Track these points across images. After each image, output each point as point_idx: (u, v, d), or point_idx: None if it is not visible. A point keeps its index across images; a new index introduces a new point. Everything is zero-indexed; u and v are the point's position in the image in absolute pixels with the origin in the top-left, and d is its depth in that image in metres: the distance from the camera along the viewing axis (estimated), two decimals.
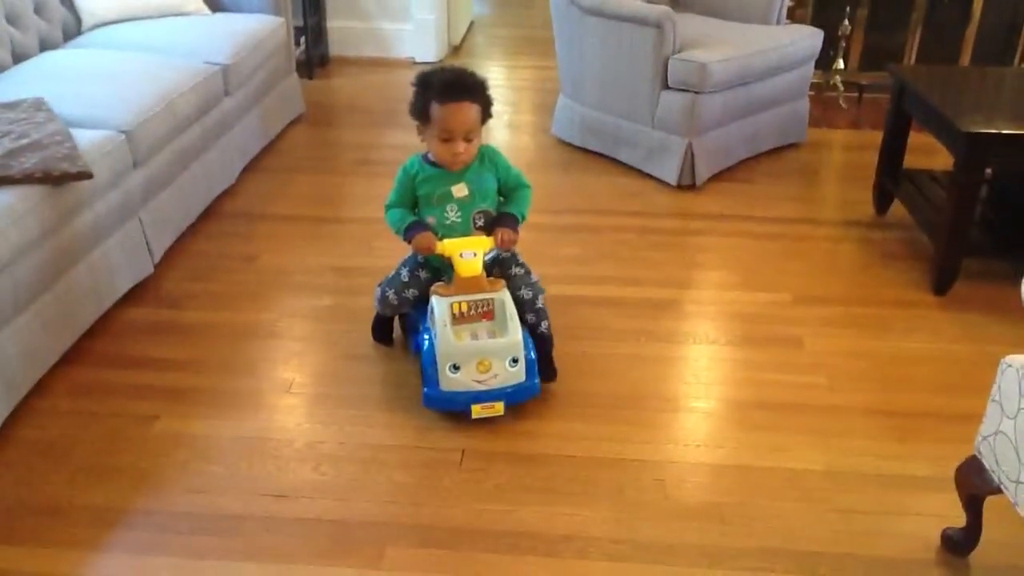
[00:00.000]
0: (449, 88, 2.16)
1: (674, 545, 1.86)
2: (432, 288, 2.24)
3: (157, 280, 2.80)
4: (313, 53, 4.93)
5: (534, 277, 2.33)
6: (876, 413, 2.27)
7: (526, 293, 2.29)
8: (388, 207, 2.31)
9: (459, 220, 2.26)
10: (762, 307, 2.74)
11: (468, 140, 2.18)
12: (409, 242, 2.25)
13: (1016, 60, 4.69)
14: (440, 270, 2.30)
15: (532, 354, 2.21)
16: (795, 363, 2.47)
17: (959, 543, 1.83)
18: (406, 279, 2.34)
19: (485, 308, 2.21)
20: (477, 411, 2.16)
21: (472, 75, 2.23)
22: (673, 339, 2.60)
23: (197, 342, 2.53)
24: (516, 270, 2.33)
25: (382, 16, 5.22)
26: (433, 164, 2.26)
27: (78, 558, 1.82)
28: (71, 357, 2.39)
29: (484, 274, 2.21)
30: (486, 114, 2.23)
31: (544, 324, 2.32)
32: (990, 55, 4.67)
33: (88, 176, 2.35)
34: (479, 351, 2.14)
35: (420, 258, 2.32)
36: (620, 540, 1.87)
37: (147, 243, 2.75)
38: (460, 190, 2.25)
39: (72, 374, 2.36)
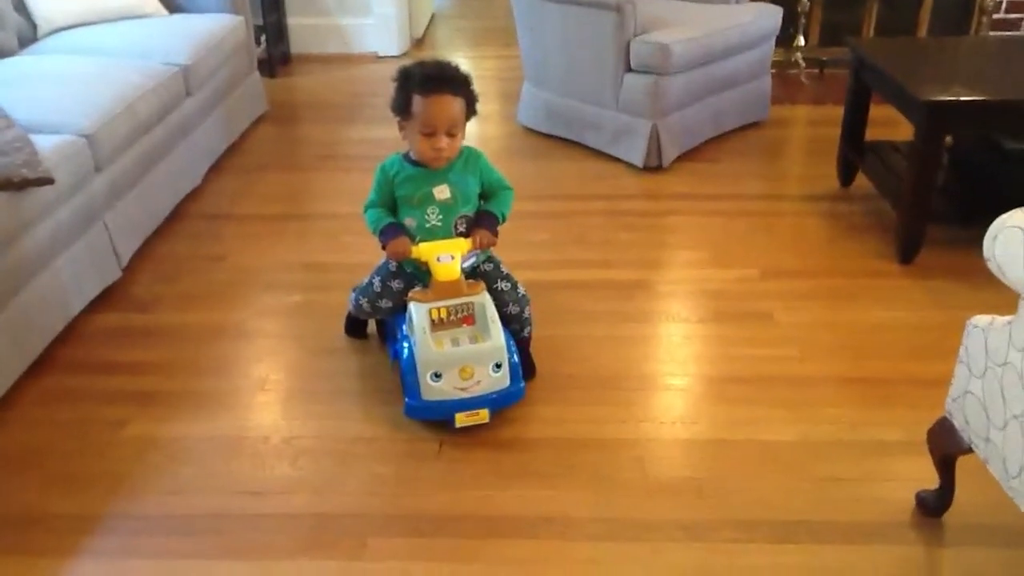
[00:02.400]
0: (431, 80, 2.08)
1: (654, 521, 1.87)
2: (410, 294, 2.17)
3: (125, 284, 2.77)
4: (274, 51, 4.90)
5: (521, 289, 2.27)
6: (848, 382, 2.30)
7: (514, 308, 2.24)
8: (367, 207, 2.23)
9: (440, 224, 2.18)
10: (732, 283, 2.76)
11: (451, 135, 2.10)
12: (384, 247, 2.18)
13: (972, 29, 4.74)
14: (415, 277, 2.22)
15: (515, 357, 2.15)
16: (766, 337, 2.49)
17: (933, 505, 1.85)
18: (378, 289, 2.26)
19: (465, 313, 2.14)
20: (461, 419, 2.10)
21: (456, 68, 2.14)
22: (646, 319, 2.61)
23: (168, 344, 2.51)
24: (502, 284, 2.25)
25: (342, 12, 5.19)
26: (414, 163, 2.18)
27: (55, 566, 1.80)
28: (40, 365, 2.36)
29: (462, 278, 2.13)
30: (470, 110, 2.15)
31: (527, 330, 2.30)
32: (946, 26, 4.73)
33: (49, 182, 2.32)
34: (461, 358, 2.07)
35: (392, 266, 2.25)
36: (600, 519, 1.88)
37: (113, 247, 2.72)
38: (442, 192, 2.17)
39: (41, 382, 2.34)
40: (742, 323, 2.55)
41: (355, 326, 2.50)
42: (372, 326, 2.51)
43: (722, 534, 1.83)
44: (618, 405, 2.23)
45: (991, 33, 4.71)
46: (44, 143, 2.43)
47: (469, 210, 2.22)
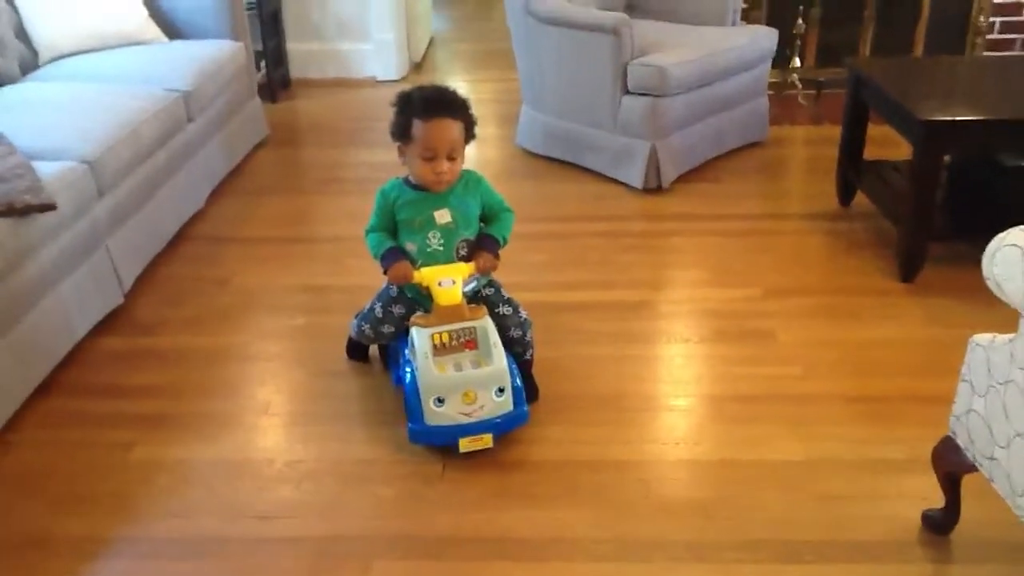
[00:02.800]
0: (431, 105, 2.09)
1: (658, 542, 1.87)
2: (412, 319, 2.17)
3: (129, 308, 2.78)
4: (274, 76, 4.92)
5: (523, 313, 2.27)
6: (851, 400, 2.30)
7: (516, 332, 2.24)
8: (368, 232, 2.23)
9: (441, 248, 2.17)
10: (734, 303, 2.76)
11: (451, 159, 2.10)
12: (385, 271, 2.18)
13: (967, 50, 4.78)
14: (416, 302, 2.23)
15: (518, 381, 2.14)
16: (769, 356, 2.50)
17: (939, 523, 1.85)
18: (380, 315, 2.27)
19: (467, 337, 2.13)
20: (465, 444, 2.08)
21: (454, 92, 2.16)
22: (647, 339, 2.61)
23: (171, 368, 2.51)
24: (504, 309, 2.24)
25: (341, 37, 5.22)
26: (414, 187, 2.18)
27: None
28: (44, 389, 2.37)
29: (464, 302, 2.13)
30: (470, 134, 2.16)
31: (529, 353, 2.30)
32: (941, 46, 4.76)
33: (52, 207, 2.34)
34: (464, 382, 2.07)
35: (394, 291, 2.26)
36: (603, 540, 1.88)
37: (116, 272, 2.73)
38: (443, 216, 2.17)
39: (46, 405, 2.34)
40: (744, 342, 2.56)
41: (357, 349, 2.50)
42: (374, 349, 2.51)
43: (727, 554, 1.83)
44: (621, 426, 2.23)
45: (985, 53, 4.75)
46: (46, 169, 2.44)
47: (470, 234, 2.22)
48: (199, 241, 3.28)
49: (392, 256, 2.17)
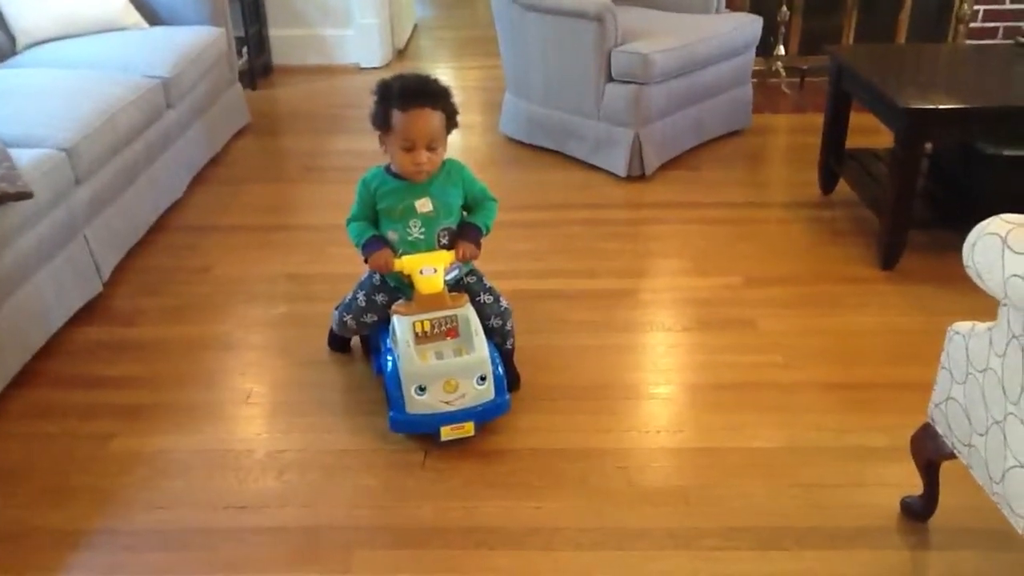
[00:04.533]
0: (410, 94, 2.06)
1: (639, 530, 1.87)
2: (393, 307, 2.16)
3: (108, 297, 2.76)
4: (256, 63, 4.89)
5: (503, 302, 2.27)
6: (832, 388, 2.31)
7: (496, 321, 2.23)
8: (349, 221, 2.22)
9: (422, 237, 2.16)
10: (715, 291, 2.77)
11: (432, 149, 2.08)
12: (366, 260, 2.17)
13: (949, 37, 4.79)
14: (398, 291, 2.22)
15: (500, 369, 2.14)
16: (750, 344, 2.50)
17: (918, 510, 1.86)
18: (363, 304, 2.26)
19: (449, 325, 2.12)
20: (447, 433, 2.08)
21: (435, 81, 2.13)
22: (629, 328, 2.62)
23: (151, 358, 2.49)
24: (485, 297, 2.24)
25: (324, 23, 5.19)
26: (395, 176, 2.17)
27: None
28: (21, 380, 2.35)
29: (446, 290, 2.12)
30: (451, 123, 2.14)
31: (510, 342, 2.30)
32: (924, 34, 4.77)
33: (28, 196, 2.31)
34: (445, 371, 2.06)
35: (376, 279, 2.25)
36: (585, 529, 1.88)
37: (94, 261, 2.71)
38: (424, 205, 2.15)
39: (23, 397, 2.32)
40: (726, 331, 2.56)
41: (338, 341, 2.49)
42: (356, 340, 2.50)
43: (708, 541, 1.84)
44: (603, 414, 2.23)
45: (967, 42, 4.76)
46: (23, 157, 2.42)
47: (452, 222, 2.21)
48: (179, 230, 3.25)
49: (373, 244, 2.16)
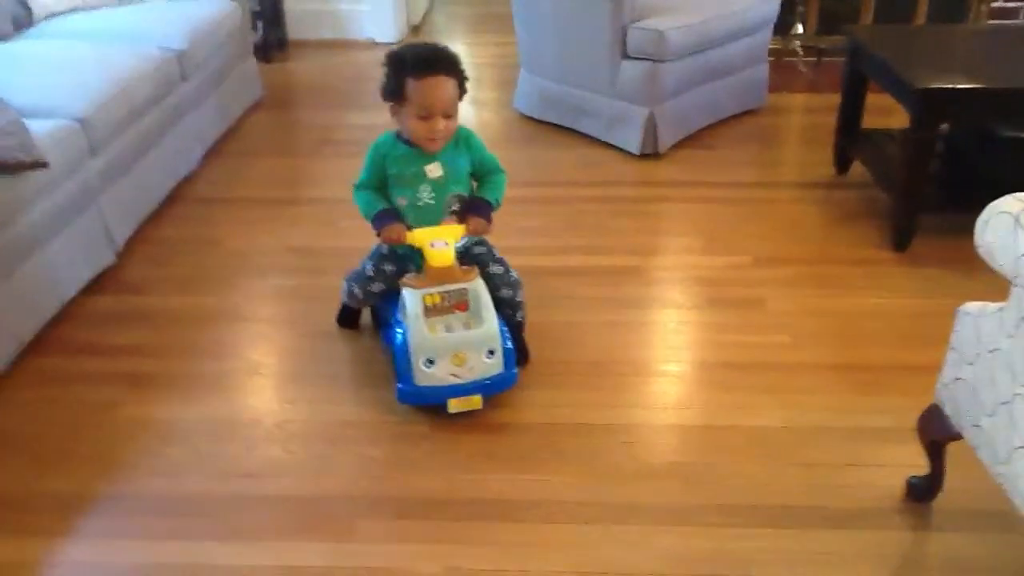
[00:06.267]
0: (425, 63, 2.07)
1: (640, 505, 1.88)
2: (403, 280, 2.16)
3: (120, 267, 2.78)
4: (271, 36, 4.89)
5: (513, 274, 2.26)
6: (839, 368, 2.30)
7: (506, 292, 2.23)
8: (357, 187, 2.22)
9: (432, 202, 2.17)
10: (725, 270, 2.76)
11: (447, 116, 2.09)
12: (378, 233, 2.17)
13: (970, 17, 4.73)
14: (407, 259, 2.22)
15: (508, 343, 2.14)
16: (758, 323, 2.50)
17: (923, 490, 1.86)
18: (371, 273, 2.27)
19: (459, 299, 2.12)
20: (454, 405, 2.09)
21: (446, 49, 2.14)
22: (638, 305, 2.61)
23: (161, 328, 2.51)
24: (495, 268, 2.24)
25: None
26: (406, 142, 2.17)
27: (45, 545, 1.81)
28: (33, 347, 2.37)
29: (456, 264, 2.12)
30: (462, 90, 2.14)
31: (520, 314, 2.30)
32: (944, 15, 4.71)
33: (44, 165, 2.33)
34: (454, 344, 2.07)
35: (384, 249, 2.26)
36: (587, 503, 1.89)
37: (108, 231, 2.73)
38: (434, 170, 2.16)
39: (34, 363, 2.34)
40: (734, 310, 2.56)
41: (348, 317, 2.49)
42: (366, 315, 2.50)
43: (709, 518, 1.84)
44: (609, 391, 2.24)
45: (988, 22, 4.70)
46: (38, 127, 2.42)
47: (461, 189, 2.22)
48: (191, 202, 3.27)
49: (386, 218, 2.16)
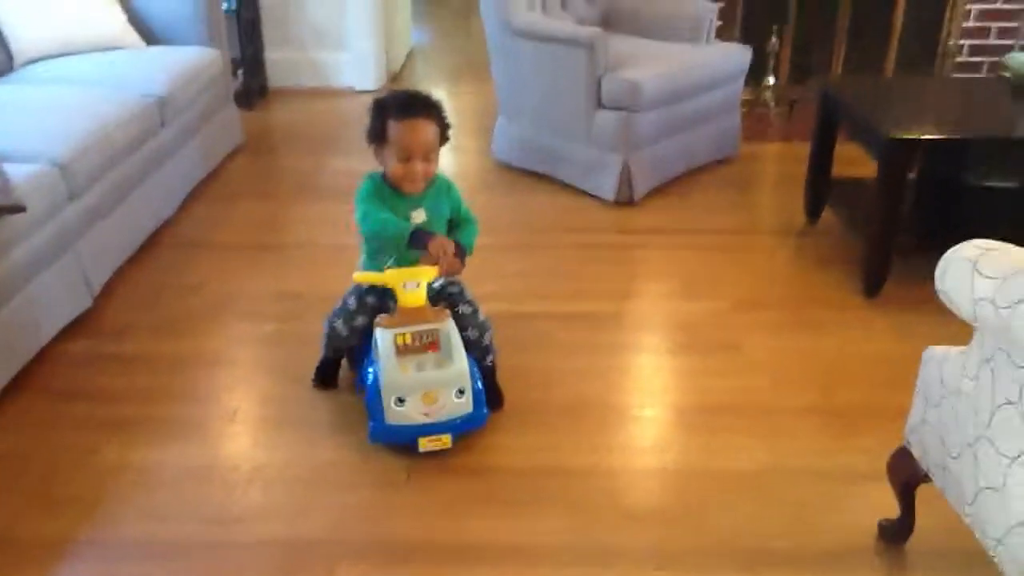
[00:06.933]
0: (407, 106, 2.16)
1: (621, 549, 1.89)
2: (376, 320, 2.20)
3: (99, 312, 2.77)
4: (251, 84, 4.93)
5: (482, 316, 2.29)
6: (815, 412, 2.33)
7: (473, 333, 2.26)
8: (366, 215, 2.18)
9: None
10: (702, 315, 2.80)
11: (427, 159, 2.16)
12: (425, 246, 2.12)
13: (937, 66, 4.87)
14: (386, 292, 2.24)
15: (479, 383, 2.18)
16: (735, 367, 2.53)
17: (895, 532, 1.88)
18: (353, 307, 2.28)
19: (430, 339, 2.16)
20: (424, 444, 2.12)
21: (428, 95, 2.22)
22: (616, 350, 2.64)
23: (140, 372, 2.51)
24: (464, 308, 2.27)
25: (319, 46, 5.24)
26: (391, 186, 2.21)
27: None
28: (10, 391, 2.36)
29: (428, 304, 2.16)
30: (444, 136, 2.21)
31: (490, 358, 2.32)
32: (913, 65, 4.85)
33: (22, 209, 2.33)
34: (424, 383, 2.10)
35: (365, 284, 2.29)
36: (568, 547, 1.89)
37: (85, 275, 2.72)
38: (419, 215, 2.22)
39: (12, 408, 2.33)
40: (712, 354, 2.59)
41: (327, 371, 2.44)
42: (342, 369, 2.47)
43: (690, 561, 1.85)
44: (588, 434, 2.25)
45: (955, 75, 4.83)
46: (17, 171, 2.42)
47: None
48: (172, 246, 3.27)
49: (424, 235, 2.14)
